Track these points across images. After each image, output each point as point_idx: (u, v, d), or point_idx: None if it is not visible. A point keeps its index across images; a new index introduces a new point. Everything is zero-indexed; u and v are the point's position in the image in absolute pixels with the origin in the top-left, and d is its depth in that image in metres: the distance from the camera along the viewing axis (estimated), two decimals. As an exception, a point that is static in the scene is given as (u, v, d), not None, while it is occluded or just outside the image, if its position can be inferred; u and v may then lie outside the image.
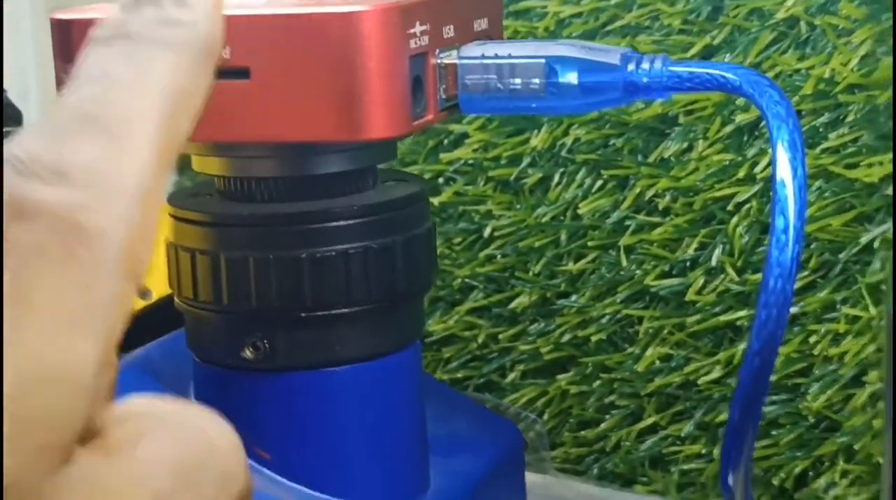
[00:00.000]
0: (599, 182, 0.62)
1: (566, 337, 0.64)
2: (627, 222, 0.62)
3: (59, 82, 0.42)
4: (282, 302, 0.43)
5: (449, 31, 0.43)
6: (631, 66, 0.41)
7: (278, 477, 0.44)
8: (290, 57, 0.40)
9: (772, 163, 0.39)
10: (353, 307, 0.43)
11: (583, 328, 0.63)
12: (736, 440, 0.41)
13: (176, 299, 0.45)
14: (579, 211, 0.62)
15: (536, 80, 0.42)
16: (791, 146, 0.38)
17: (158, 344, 0.49)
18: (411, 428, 0.46)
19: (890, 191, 0.54)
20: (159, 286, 0.49)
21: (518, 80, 0.42)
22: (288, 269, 0.42)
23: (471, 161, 0.65)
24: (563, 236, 0.63)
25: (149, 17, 0.31)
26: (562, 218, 0.63)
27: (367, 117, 0.40)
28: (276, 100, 0.40)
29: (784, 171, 0.38)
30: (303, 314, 0.43)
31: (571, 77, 0.41)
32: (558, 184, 0.63)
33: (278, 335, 0.43)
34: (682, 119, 0.60)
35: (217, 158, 0.44)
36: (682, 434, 0.62)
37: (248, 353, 0.43)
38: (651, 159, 0.61)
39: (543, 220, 0.63)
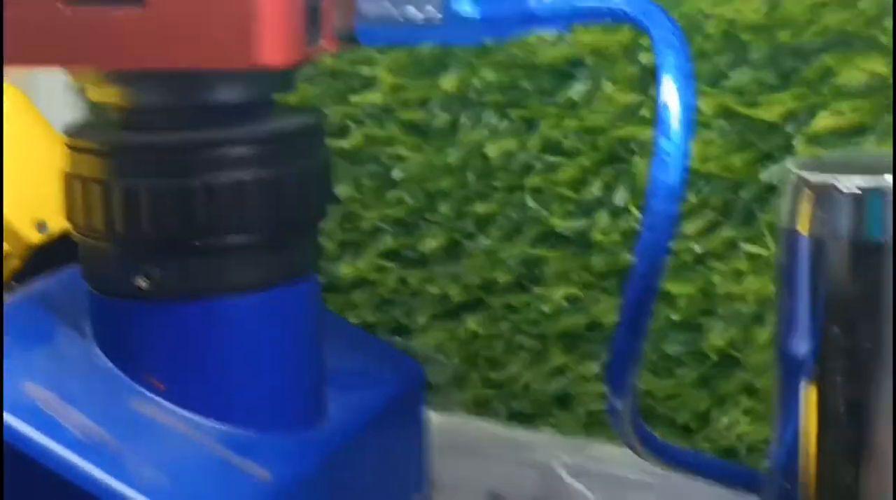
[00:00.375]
0: (506, 123, 0.62)
1: (474, 279, 0.64)
2: (534, 163, 0.62)
3: None
4: (174, 231, 0.43)
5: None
6: None
7: (172, 406, 0.44)
8: None
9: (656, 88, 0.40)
10: (244, 237, 0.43)
11: (491, 270, 0.64)
12: (622, 362, 0.42)
13: (71, 230, 0.45)
14: (487, 153, 0.62)
15: (433, 9, 0.42)
16: (677, 71, 0.39)
17: (56, 277, 0.49)
18: (304, 359, 0.46)
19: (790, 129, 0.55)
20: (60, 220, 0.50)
21: (414, 9, 0.42)
22: (180, 197, 0.42)
23: (380, 104, 0.65)
24: (471, 178, 0.63)
25: None
26: (470, 160, 0.63)
27: (258, 43, 0.40)
28: (169, 26, 0.40)
29: (669, 95, 0.39)
30: (195, 243, 0.43)
31: (468, 6, 0.42)
32: (466, 126, 0.63)
33: (171, 264, 0.43)
34: (588, 61, 0.60)
35: (112, 86, 0.44)
36: (589, 374, 0.62)
37: (141, 282, 0.43)
38: (558, 100, 0.61)
39: (451, 161, 0.63)
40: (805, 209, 0.40)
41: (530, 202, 0.61)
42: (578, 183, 0.60)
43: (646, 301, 0.41)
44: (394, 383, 0.51)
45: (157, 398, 0.44)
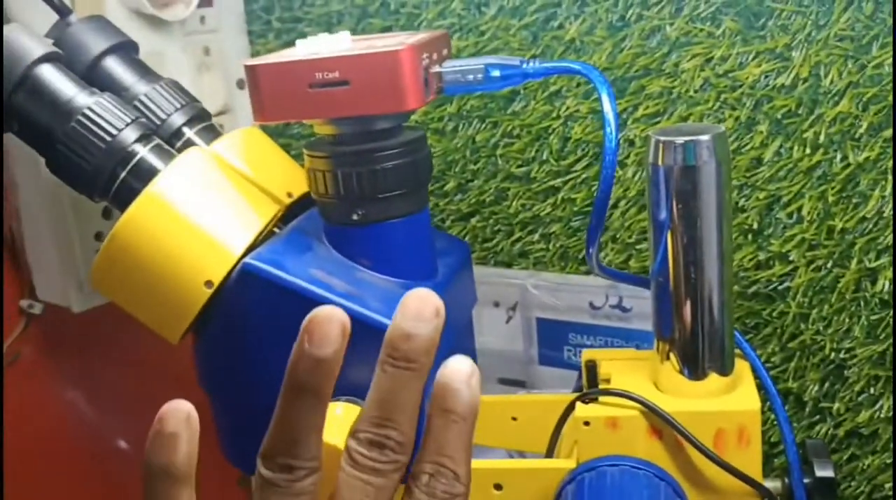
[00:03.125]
0: (484, 124, 0.60)
1: (472, 200, 0.63)
2: (499, 143, 0.60)
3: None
4: (366, 191, 0.43)
5: (434, 56, 0.44)
6: (523, 65, 0.43)
7: (374, 273, 0.44)
8: (365, 71, 0.41)
9: (599, 97, 0.41)
10: (399, 191, 0.43)
11: (480, 196, 0.62)
12: (598, 219, 0.43)
13: (313, 195, 0.45)
14: (476, 139, 0.61)
15: (480, 76, 0.43)
16: (609, 95, 0.42)
17: (304, 217, 0.48)
18: (430, 245, 0.46)
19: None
20: (303, 187, 0.49)
21: (470, 76, 0.43)
22: (366, 176, 0.43)
23: (418, 120, 0.64)
24: (468, 153, 0.61)
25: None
26: (467, 144, 0.61)
27: (407, 98, 0.41)
28: (361, 94, 0.41)
29: (607, 107, 0.41)
30: (378, 196, 0.43)
31: (497, 72, 0.43)
32: (464, 127, 0.61)
33: (367, 207, 0.43)
34: (522, 92, 0.60)
35: (327, 125, 0.44)
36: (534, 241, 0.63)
37: (355, 216, 0.44)
38: (509, 111, 0.59)
39: (458, 145, 0.61)
40: (659, 153, 0.42)
41: (499, 161, 0.61)
42: (523, 151, 0.60)
43: (605, 199, 0.42)
44: (459, 253, 0.50)
45: (366, 270, 0.44)
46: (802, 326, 0.54)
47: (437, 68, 0.43)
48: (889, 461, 0.53)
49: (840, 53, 0.49)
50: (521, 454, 0.59)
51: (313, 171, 0.45)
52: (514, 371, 0.64)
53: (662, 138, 0.43)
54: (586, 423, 0.45)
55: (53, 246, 0.57)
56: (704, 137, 0.42)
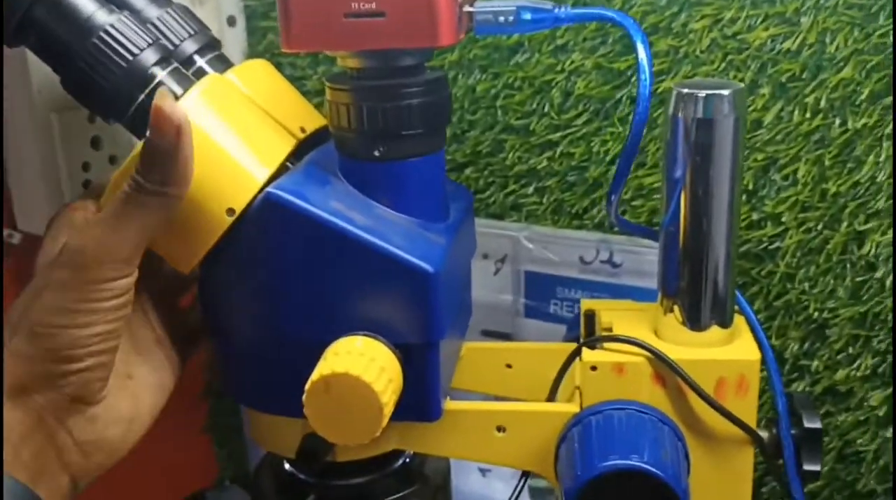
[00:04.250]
0: (486, 75, 0.60)
1: (468, 150, 0.62)
2: (500, 94, 0.60)
3: None
4: (388, 127, 0.42)
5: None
6: (555, 10, 0.43)
7: (390, 210, 0.43)
8: (402, 4, 0.40)
9: (633, 49, 0.42)
10: (418, 130, 0.43)
11: (476, 146, 0.62)
12: (625, 167, 0.44)
13: (331, 129, 0.44)
14: (476, 89, 0.60)
15: (511, 18, 0.43)
16: (643, 43, 0.42)
17: (319, 150, 0.47)
18: (443, 186, 0.46)
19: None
20: (314, 123, 0.49)
21: (501, 17, 0.43)
22: (388, 112, 0.42)
23: None
24: (467, 104, 0.61)
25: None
26: (466, 93, 0.61)
27: (441, 33, 0.40)
28: (396, 26, 0.40)
29: (641, 54, 0.41)
30: (402, 133, 0.43)
31: (528, 15, 0.43)
32: (464, 77, 0.61)
33: (387, 143, 0.42)
34: (526, 44, 0.59)
35: (353, 58, 0.43)
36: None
37: (376, 153, 0.43)
38: (511, 63, 0.59)
39: (457, 95, 0.61)
40: (681, 105, 0.42)
41: (499, 113, 0.61)
42: (523, 103, 0.60)
43: (635, 147, 0.42)
44: (465, 200, 0.50)
45: (383, 207, 0.43)
46: (788, 285, 0.56)
47: (469, 7, 0.43)
48: (862, 418, 0.55)
49: (847, 21, 0.51)
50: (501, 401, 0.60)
51: (335, 103, 0.43)
52: (499, 323, 0.65)
53: (685, 90, 0.43)
54: (593, 368, 0.46)
55: (39, 174, 0.55)
56: (725, 92, 0.42)
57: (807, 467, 0.47)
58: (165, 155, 0.38)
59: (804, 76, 0.52)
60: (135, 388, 0.43)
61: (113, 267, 0.39)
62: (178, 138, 0.38)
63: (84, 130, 0.57)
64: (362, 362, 0.39)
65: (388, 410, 0.38)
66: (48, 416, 0.40)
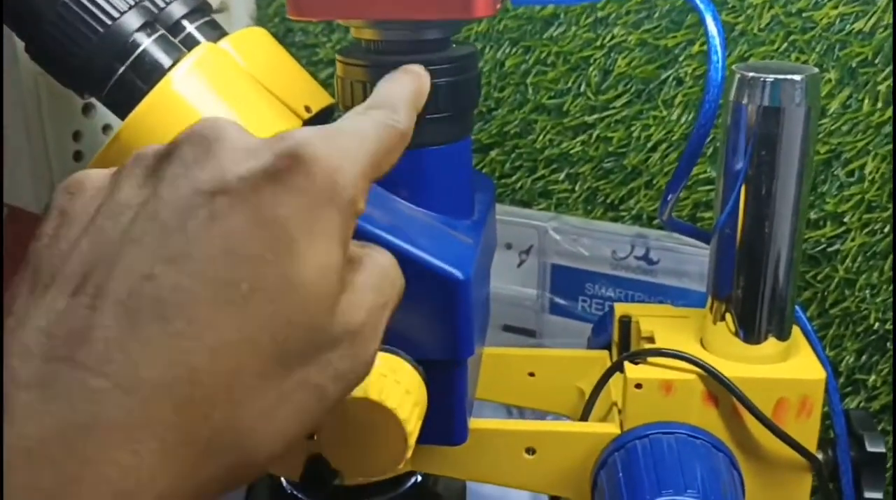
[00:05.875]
0: (516, 48, 0.56)
1: (494, 131, 0.58)
2: (531, 70, 0.56)
3: None
4: None
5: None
6: None
7: (413, 206, 0.39)
8: None
9: (702, 21, 0.37)
10: (444, 114, 0.39)
11: (503, 127, 0.57)
12: (688, 163, 0.39)
13: (341, 107, 0.40)
14: (505, 64, 0.57)
15: None
16: (713, 17, 0.37)
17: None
18: (469, 178, 0.42)
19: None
20: (320, 102, 0.44)
21: None
22: None
23: None
24: (493, 79, 0.58)
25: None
26: (494, 68, 0.58)
27: (476, 4, 0.36)
28: None
29: (712, 28, 0.37)
30: (424, 117, 0.38)
31: None
32: (492, 50, 0.58)
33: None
34: (561, 16, 0.55)
35: (369, 28, 0.39)
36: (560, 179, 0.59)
37: None
38: (545, 37, 0.55)
39: (484, 70, 0.59)
40: (744, 90, 0.38)
41: (529, 90, 0.56)
42: (557, 81, 0.56)
43: (702, 140, 0.38)
44: (488, 189, 0.46)
45: (402, 201, 0.40)
46: (847, 292, 0.51)
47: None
48: (922, 438, 0.51)
49: (931, -1, 0.45)
50: (521, 412, 0.56)
51: (349, 81, 0.39)
52: (522, 319, 0.60)
53: (749, 74, 0.38)
54: (638, 385, 0.41)
55: (25, 143, 0.50)
56: (797, 77, 0.38)
57: (868, 494, 0.43)
58: None
59: (877, 62, 0.47)
60: None
61: None
62: None
63: (74, 95, 0.51)
64: (384, 385, 0.34)
65: (413, 440, 0.34)
66: None
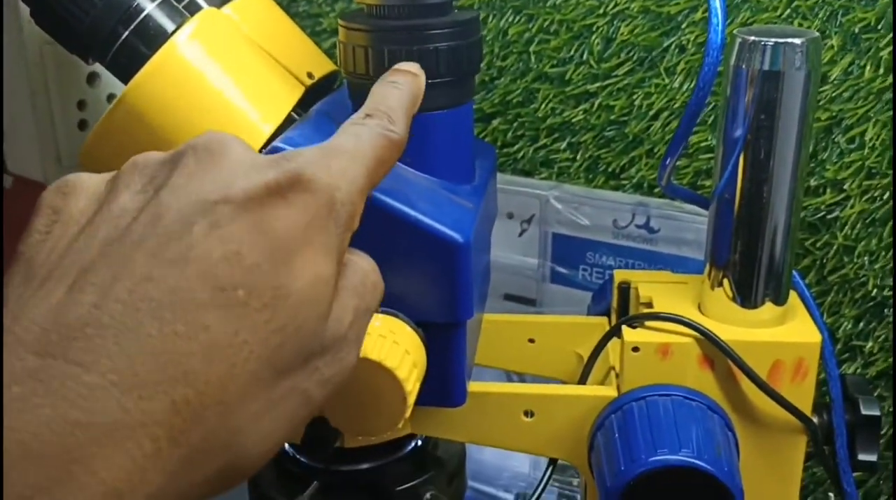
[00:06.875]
0: (519, 16, 0.56)
1: (496, 99, 0.58)
2: (534, 39, 0.55)
3: None
4: None
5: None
6: None
7: (415, 171, 0.39)
8: None
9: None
10: (445, 78, 0.38)
11: (505, 96, 0.57)
12: (687, 127, 0.39)
13: (343, 73, 0.40)
14: (508, 32, 0.56)
15: None
16: None
17: (330, 98, 0.43)
18: (471, 143, 0.42)
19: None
20: (323, 68, 0.45)
21: None
22: (407, 57, 0.38)
23: None
24: (496, 47, 0.57)
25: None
26: (497, 37, 0.57)
27: None
28: None
29: None
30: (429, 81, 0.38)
31: None
32: (495, 18, 0.58)
33: None
34: None
35: None
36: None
37: None
38: (548, 4, 0.55)
39: (487, 39, 0.59)
40: (745, 54, 0.38)
41: (532, 59, 0.56)
42: (559, 49, 0.55)
43: (700, 104, 0.38)
44: (490, 156, 0.46)
45: (404, 166, 0.39)
46: (846, 259, 0.51)
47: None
48: (918, 404, 0.51)
49: (934, -36, 0.45)
50: (521, 378, 0.56)
51: (351, 46, 0.39)
52: (522, 288, 0.61)
53: (750, 38, 0.38)
54: (635, 349, 0.41)
55: (31, 113, 0.50)
56: (797, 41, 0.38)
57: (862, 457, 0.43)
58: None
59: (880, 27, 0.47)
60: None
61: None
62: None
63: (79, 64, 0.52)
64: (384, 345, 0.35)
65: (412, 399, 0.34)
66: None
